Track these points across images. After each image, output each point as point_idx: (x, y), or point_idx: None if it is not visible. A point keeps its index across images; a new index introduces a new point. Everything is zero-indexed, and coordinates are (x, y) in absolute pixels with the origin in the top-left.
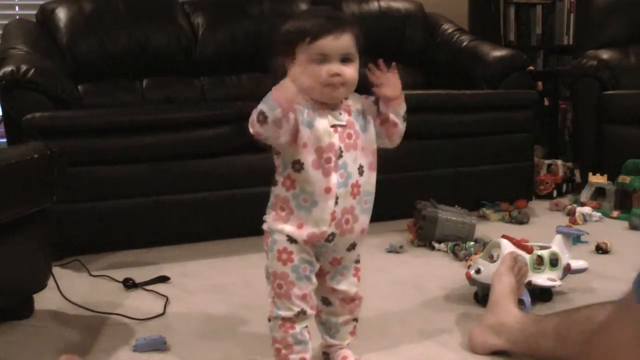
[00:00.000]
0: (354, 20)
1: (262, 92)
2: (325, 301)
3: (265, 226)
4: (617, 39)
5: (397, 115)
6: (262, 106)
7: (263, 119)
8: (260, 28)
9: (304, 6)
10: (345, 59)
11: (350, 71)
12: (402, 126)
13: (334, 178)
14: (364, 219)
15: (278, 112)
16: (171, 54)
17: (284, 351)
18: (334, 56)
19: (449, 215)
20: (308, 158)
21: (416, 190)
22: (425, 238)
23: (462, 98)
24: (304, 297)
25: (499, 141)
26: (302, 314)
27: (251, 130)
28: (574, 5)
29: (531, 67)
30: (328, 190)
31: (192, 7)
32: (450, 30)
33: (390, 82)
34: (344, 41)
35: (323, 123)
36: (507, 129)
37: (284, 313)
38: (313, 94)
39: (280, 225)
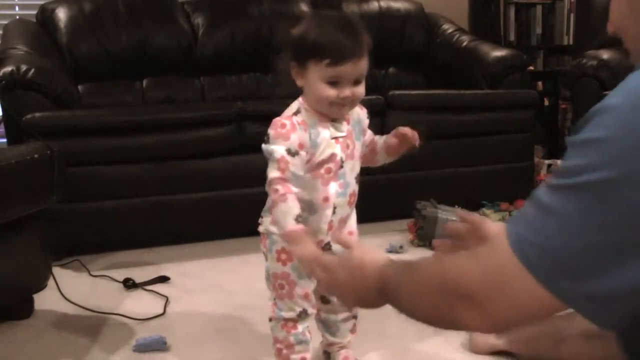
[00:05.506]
0: (364, 26)
1: (262, 92)
2: (324, 299)
3: (262, 228)
4: (617, 39)
5: (388, 157)
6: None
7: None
8: (260, 28)
9: (303, 6)
10: (357, 81)
11: (360, 90)
12: (378, 163)
13: (332, 188)
14: (351, 223)
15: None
16: (171, 54)
17: (285, 351)
18: (349, 80)
19: (449, 215)
20: (309, 169)
21: (416, 190)
22: (425, 238)
23: (462, 98)
24: (306, 296)
25: (499, 141)
26: (304, 313)
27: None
28: (574, 5)
29: (531, 67)
30: (326, 199)
31: (192, 7)
32: (450, 30)
33: (414, 142)
34: (361, 66)
35: (325, 135)
36: (507, 129)
37: (286, 314)
38: (319, 108)
39: None
